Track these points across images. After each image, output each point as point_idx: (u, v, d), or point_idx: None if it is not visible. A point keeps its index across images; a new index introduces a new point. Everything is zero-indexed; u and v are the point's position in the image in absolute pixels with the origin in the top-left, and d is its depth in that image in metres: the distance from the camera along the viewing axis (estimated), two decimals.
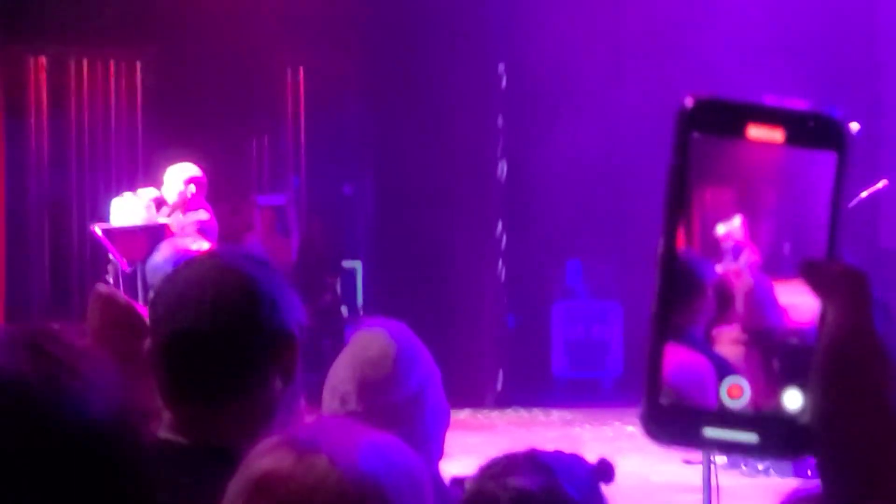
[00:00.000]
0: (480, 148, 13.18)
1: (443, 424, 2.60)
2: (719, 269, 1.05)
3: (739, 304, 1.04)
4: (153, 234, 8.25)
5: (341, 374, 2.51)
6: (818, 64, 13.20)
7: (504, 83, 13.23)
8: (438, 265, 13.04)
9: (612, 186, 13.81)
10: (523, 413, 12.61)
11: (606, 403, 12.96)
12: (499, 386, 13.00)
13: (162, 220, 8.37)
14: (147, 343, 2.14)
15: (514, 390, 13.07)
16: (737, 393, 1.01)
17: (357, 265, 14.57)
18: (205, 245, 8.05)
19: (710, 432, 1.01)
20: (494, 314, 13.30)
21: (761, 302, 1.04)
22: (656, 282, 1.01)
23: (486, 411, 12.47)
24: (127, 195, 9.06)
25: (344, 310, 14.01)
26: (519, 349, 13.59)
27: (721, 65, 13.07)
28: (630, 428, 11.34)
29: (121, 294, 3.26)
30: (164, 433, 2.10)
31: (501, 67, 13.19)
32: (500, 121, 13.26)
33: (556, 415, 12.45)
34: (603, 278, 14.21)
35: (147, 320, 2.92)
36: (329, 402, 2.51)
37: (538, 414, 12.55)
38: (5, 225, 12.37)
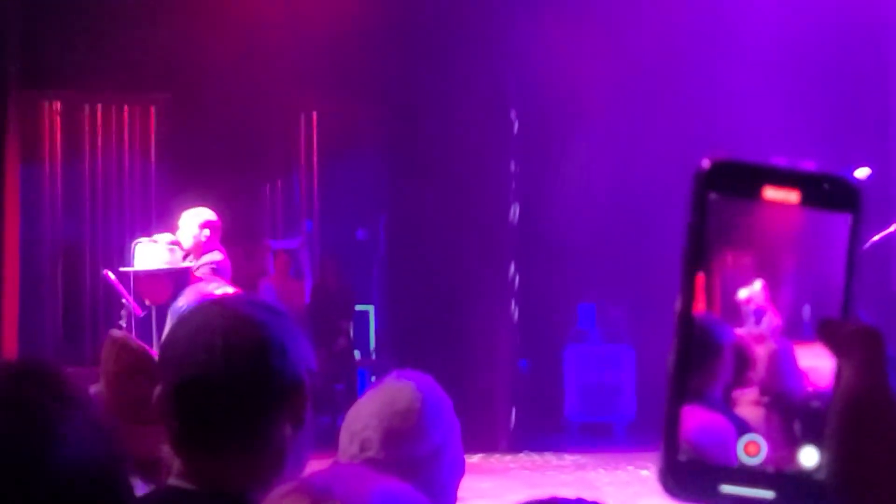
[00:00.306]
0: (492, 192, 13.20)
1: (458, 475, 2.60)
2: (742, 331, 1.05)
3: (759, 368, 1.05)
4: (177, 278, 8.28)
5: (364, 421, 2.50)
6: (830, 108, 13.23)
7: (516, 128, 13.26)
8: (451, 309, 13.04)
9: (625, 230, 13.82)
10: (536, 457, 12.57)
11: (619, 447, 12.93)
12: (511, 430, 12.97)
13: (186, 263, 8.40)
14: (157, 389, 2.14)
15: (527, 434, 13.04)
16: (753, 450, 1.02)
17: (370, 309, 14.59)
18: (229, 290, 8.09)
19: (727, 489, 1.01)
20: (507, 358, 13.29)
21: (782, 366, 1.05)
22: (674, 342, 1.02)
23: (498, 455, 12.43)
24: (143, 240, 9.08)
25: (356, 353, 14.01)
26: (532, 393, 13.57)
27: (734, 109, 13.10)
28: (644, 472, 11.30)
29: (134, 339, 3.26)
30: (173, 480, 2.09)
31: (513, 113, 13.23)
32: (512, 166, 13.30)
33: (569, 459, 12.41)
34: (616, 322, 14.20)
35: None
36: (347, 446, 2.50)
37: (551, 458, 12.51)
38: (20, 269, 12.40)
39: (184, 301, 7.93)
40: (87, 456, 1.23)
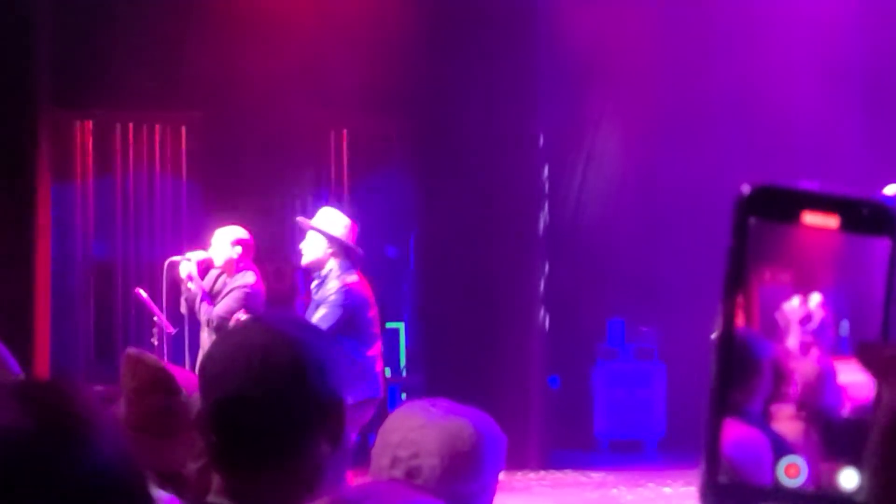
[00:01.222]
0: (522, 209, 13.19)
1: (493, 496, 2.64)
2: (782, 346, 1.07)
3: (798, 383, 1.07)
4: (343, 253, 8.62)
5: (415, 449, 2.49)
6: (863, 118, 13.18)
7: (542, 142, 13.26)
8: (481, 326, 13.02)
9: (655, 246, 13.79)
10: (565, 474, 12.54)
11: (650, 465, 12.89)
12: (541, 447, 12.92)
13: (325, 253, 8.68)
14: (197, 406, 2.16)
15: (556, 451, 13.01)
16: (794, 472, 1.03)
17: (400, 326, 14.57)
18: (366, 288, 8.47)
19: None
20: (537, 375, 13.26)
21: (821, 382, 1.06)
22: (715, 361, 1.04)
23: (525, 473, 12.39)
24: (176, 258, 9.14)
25: (387, 371, 14.00)
26: (561, 410, 13.54)
27: (767, 120, 13.07)
28: (666, 489, 11.28)
29: (149, 354, 3.28)
30: (213, 497, 2.11)
31: (541, 128, 13.22)
32: (541, 182, 13.29)
33: (598, 476, 12.38)
34: (646, 338, 14.16)
35: (177, 380, 2.96)
36: (387, 469, 2.49)
37: (580, 476, 12.48)
38: (52, 287, 12.48)
39: (333, 284, 8.31)
40: (109, 475, 1.25)
